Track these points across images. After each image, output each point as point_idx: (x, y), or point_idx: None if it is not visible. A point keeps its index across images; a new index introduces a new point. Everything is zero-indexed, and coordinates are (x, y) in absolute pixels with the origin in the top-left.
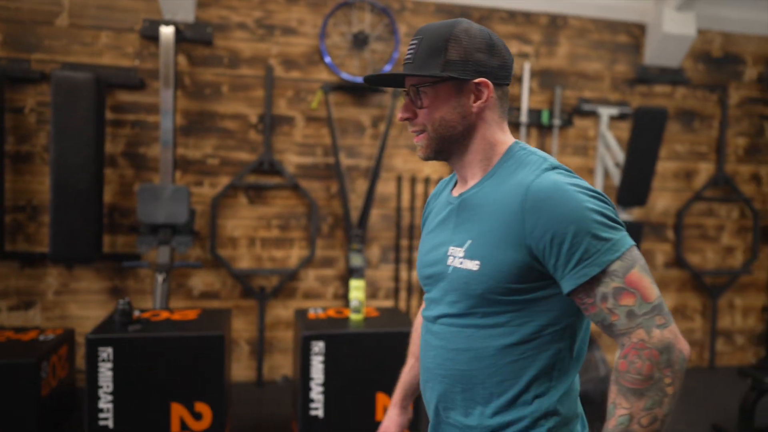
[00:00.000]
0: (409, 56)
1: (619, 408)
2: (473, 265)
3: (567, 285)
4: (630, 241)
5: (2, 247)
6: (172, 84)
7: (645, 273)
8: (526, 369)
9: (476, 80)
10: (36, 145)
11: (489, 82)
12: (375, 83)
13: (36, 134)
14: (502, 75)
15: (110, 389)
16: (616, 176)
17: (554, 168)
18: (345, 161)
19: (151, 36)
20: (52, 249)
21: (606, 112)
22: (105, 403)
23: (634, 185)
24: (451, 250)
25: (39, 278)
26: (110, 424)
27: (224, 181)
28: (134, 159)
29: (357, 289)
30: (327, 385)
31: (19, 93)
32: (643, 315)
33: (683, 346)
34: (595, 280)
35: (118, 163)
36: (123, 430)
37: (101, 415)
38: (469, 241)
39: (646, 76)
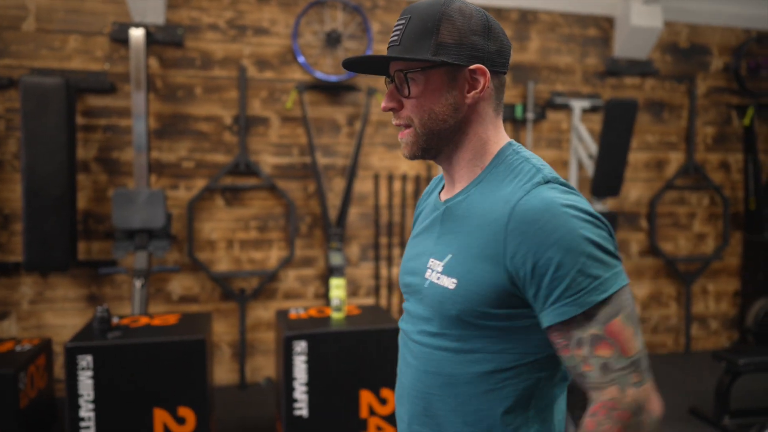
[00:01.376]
0: (394, 38)
1: None
2: (450, 283)
3: (544, 320)
4: (622, 281)
5: None
6: (144, 87)
7: (629, 322)
8: (502, 400)
9: (471, 66)
10: (5, 152)
11: (486, 69)
12: (355, 68)
13: (5, 141)
14: (500, 62)
15: (91, 398)
16: (589, 168)
17: (548, 182)
18: (321, 160)
19: (120, 39)
20: (26, 257)
21: (578, 105)
22: (86, 412)
23: (607, 176)
24: (431, 262)
25: (13, 288)
26: None
27: (200, 183)
28: (107, 164)
29: (338, 288)
30: (310, 384)
31: None
32: (619, 370)
33: (655, 406)
34: (574, 322)
35: (91, 168)
36: None
37: (82, 424)
38: (449, 256)
39: (615, 69)
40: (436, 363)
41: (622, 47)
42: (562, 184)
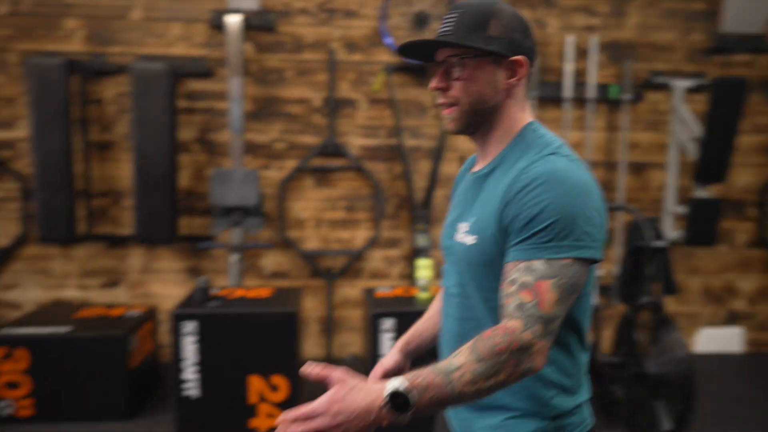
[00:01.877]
0: (447, 29)
1: (458, 356)
2: (472, 240)
3: (506, 259)
4: (578, 254)
5: (91, 230)
6: (240, 71)
7: (557, 290)
8: None
9: (515, 58)
10: (116, 134)
11: (526, 61)
12: (408, 53)
13: (116, 124)
14: (532, 56)
15: (194, 361)
16: (692, 152)
17: (554, 153)
18: (408, 142)
19: (218, 25)
20: (137, 231)
21: (680, 85)
22: (189, 374)
23: (712, 161)
24: (461, 225)
25: (123, 258)
26: (194, 393)
27: (291, 164)
28: (206, 145)
29: (424, 268)
30: None
31: (99, 85)
32: (530, 314)
33: (538, 362)
34: (518, 264)
35: (191, 149)
36: (206, 400)
37: (186, 386)
38: (474, 219)
39: (723, 45)
40: (469, 310)
41: (732, 21)
42: (566, 156)
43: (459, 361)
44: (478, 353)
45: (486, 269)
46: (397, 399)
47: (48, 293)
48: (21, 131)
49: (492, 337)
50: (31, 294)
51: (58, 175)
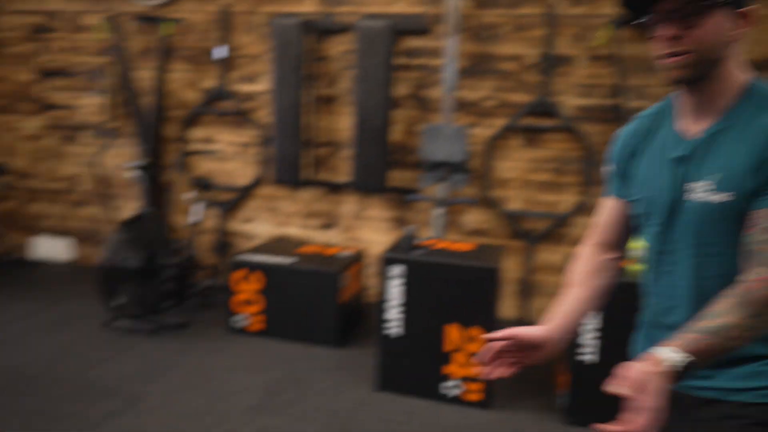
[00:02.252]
0: None
1: (727, 315)
2: (726, 197)
3: (758, 205)
4: None
5: (314, 176)
6: (457, 28)
7: None
8: None
9: (746, 9)
10: (338, 88)
11: (754, 12)
12: (630, 4)
13: (339, 79)
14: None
15: (398, 303)
16: None
17: None
18: (630, 103)
19: None
20: (354, 179)
21: None
22: (393, 314)
23: None
24: (698, 184)
25: (338, 204)
26: (396, 332)
27: (499, 122)
28: (418, 101)
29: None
30: (603, 331)
31: (326, 43)
32: None
33: None
34: None
35: (404, 104)
36: (406, 340)
37: (389, 324)
38: (720, 175)
39: None
40: (717, 267)
41: None
42: None
43: (731, 320)
44: (749, 309)
45: (742, 224)
46: (683, 370)
47: (276, 229)
48: (261, 85)
49: (759, 290)
50: (262, 228)
51: (291, 126)
